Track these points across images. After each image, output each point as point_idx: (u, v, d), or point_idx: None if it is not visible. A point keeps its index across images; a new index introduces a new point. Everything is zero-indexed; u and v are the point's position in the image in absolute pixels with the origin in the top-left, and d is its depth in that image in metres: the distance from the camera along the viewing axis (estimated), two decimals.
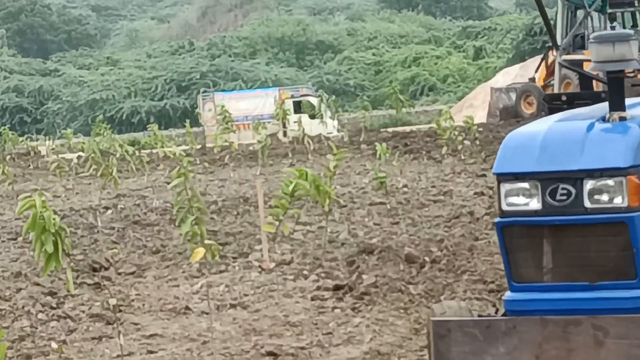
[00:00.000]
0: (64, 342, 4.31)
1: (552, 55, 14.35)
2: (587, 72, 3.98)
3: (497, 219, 2.53)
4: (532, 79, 17.39)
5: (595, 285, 2.37)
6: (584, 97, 3.40)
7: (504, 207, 2.45)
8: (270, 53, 36.23)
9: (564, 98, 3.47)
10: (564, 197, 2.38)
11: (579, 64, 3.71)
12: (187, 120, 22.22)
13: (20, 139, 21.84)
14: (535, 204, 2.40)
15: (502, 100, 17.99)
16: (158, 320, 4.79)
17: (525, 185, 2.42)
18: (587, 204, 2.33)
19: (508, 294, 2.57)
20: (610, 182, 2.28)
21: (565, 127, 2.56)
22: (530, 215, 2.41)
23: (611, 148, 2.30)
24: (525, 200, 2.43)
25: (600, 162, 2.28)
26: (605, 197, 2.31)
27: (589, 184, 2.33)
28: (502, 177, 2.45)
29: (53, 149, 19.57)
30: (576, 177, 2.35)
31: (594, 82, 4.28)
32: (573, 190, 2.37)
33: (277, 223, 5.72)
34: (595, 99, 3.16)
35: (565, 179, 2.37)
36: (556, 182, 2.37)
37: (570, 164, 2.35)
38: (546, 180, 2.37)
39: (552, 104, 3.51)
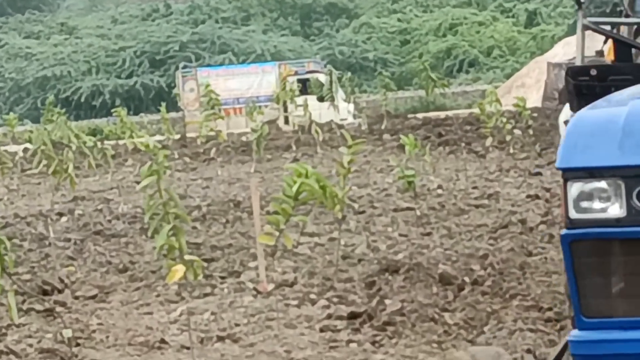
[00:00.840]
0: None
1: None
2: (626, 39, 3.59)
3: (562, 231, 2.13)
4: (600, 52, 16.77)
5: None
6: (621, 70, 3.15)
7: (573, 215, 2.05)
8: (268, 18, 29.85)
9: (593, 72, 3.04)
10: None
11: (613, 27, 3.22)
12: (163, 104, 18.42)
13: None
14: (616, 209, 1.99)
15: (562, 80, 16.96)
16: (125, 357, 4.03)
17: (604, 184, 2.02)
18: None
19: (575, 333, 2.15)
20: None
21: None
22: (610, 225, 2.00)
23: None
24: (603, 205, 2.03)
25: None
26: None
27: None
28: (571, 174, 2.05)
29: None
30: None
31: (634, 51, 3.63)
32: None
33: (277, 234, 4.78)
34: (637, 73, 2.90)
35: None
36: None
37: None
38: (633, 177, 1.95)
39: (577, 80, 3.07)
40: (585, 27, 3.47)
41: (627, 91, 2.47)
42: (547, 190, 7.61)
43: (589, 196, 2.00)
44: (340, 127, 15.09)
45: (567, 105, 3.62)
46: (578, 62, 3.38)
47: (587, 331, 2.07)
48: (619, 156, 1.92)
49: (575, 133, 2.08)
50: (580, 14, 3.42)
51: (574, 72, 3.16)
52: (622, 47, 3.59)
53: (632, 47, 3.56)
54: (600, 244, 1.99)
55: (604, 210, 1.97)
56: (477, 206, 7.80)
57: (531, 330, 3.88)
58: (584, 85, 3.11)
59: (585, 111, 2.25)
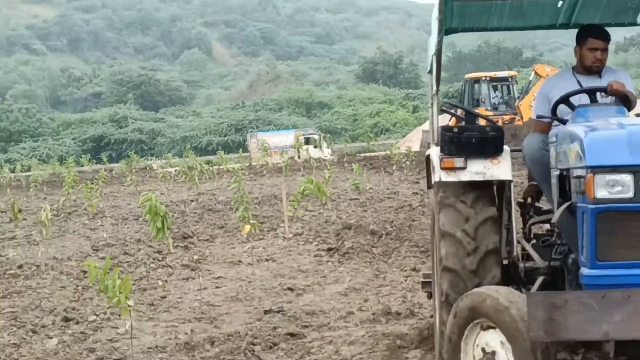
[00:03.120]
0: (166, 281, 6.75)
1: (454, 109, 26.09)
2: (477, 113, 4.70)
3: (590, 206, 2.67)
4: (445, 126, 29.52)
5: None
6: (468, 129, 3.86)
7: (599, 196, 2.64)
8: (290, 109, 57.91)
9: (455, 130, 3.78)
10: None
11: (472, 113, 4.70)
12: (240, 149, 35.59)
13: (141, 159, 34.90)
14: (629, 192, 2.61)
15: (427, 138, 25.99)
16: (222, 269, 7.38)
17: (619, 176, 2.63)
18: None
19: (589, 272, 2.74)
20: None
21: None
22: (625, 202, 2.62)
23: None
24: (619, 189, 2.63)
25: None
26: None
27: None
28: (597, 169, 2.64)
29: (160, 165, 29.41)
30: None
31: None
32: None
33: (293, 210, 8.71)
34: (482, 131, 3.59)
35: None
36: None
37: None
38: (638, 172, 2.60)
39: (447, 133, 3.75)
40: (441, 109, 4.61)
41: (613, 120, 3.04)
42: (423, 190, 12.26)
43: (611, 184, 2.59)
44: (324, 160, 26.21)
45: (432, 147, 4.21)
46: (435, 128, 4.18)
47: (598, 269, 2.68)
48: (630, 158, 2.57)
49: (593, 144, 2.68)
50: (435, 98, 4.18)
51: (445, 129, 3.90)
52: (469, 117, 4.36)
53: (475, 115, 4.37)
54: (617, 214, 2.62)
55: (620, 192, 2.57)
56: (388, 197, 12.85)
57: (414, 257, 7.02)
58: (450, 135, 3.64)
59: (591, 132, 2.80)
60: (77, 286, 6.57)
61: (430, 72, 4.14)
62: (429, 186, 4.05)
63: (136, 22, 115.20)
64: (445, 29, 4.06)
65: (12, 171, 30.99)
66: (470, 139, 3.55)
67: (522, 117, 21.93)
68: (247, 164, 28.63)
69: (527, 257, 3.69)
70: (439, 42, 3.75)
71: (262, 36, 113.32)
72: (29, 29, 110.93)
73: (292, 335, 4.70)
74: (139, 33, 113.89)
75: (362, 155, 30.14)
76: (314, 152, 28.68)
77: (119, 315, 4.88)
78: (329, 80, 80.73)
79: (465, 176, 3.46)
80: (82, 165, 33.42)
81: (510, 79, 24.92)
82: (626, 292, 2.54)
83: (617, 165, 2.71)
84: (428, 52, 4.29)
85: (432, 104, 4.24)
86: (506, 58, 68.89)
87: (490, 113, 21.13)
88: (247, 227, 6.98)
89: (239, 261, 7.61)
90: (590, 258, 2.79)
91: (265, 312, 5.34)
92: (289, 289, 6.16)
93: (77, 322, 5.32)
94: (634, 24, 4.57)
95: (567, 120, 3.52)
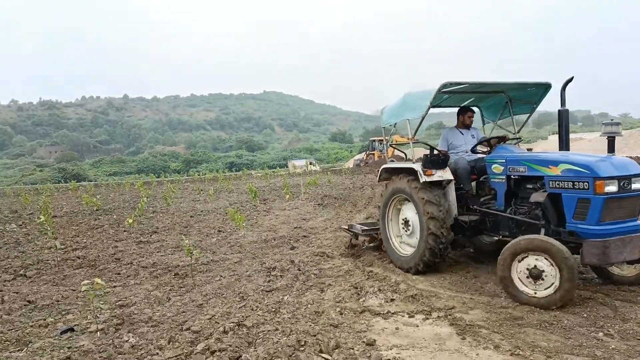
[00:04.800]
0: (256, 216, 15.90)
1: (366, 152, 50.15)
2: (435, 148, 7.63)
3: (601, 196, 5.65)
4: (362, 158, 50.91)
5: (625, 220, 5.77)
6: (435, 156, 7.45)
7: (605, 190, 5.59)
8: (303, 152, 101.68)
9: (429, 156, 7.45)
10: (629, 186, 5.63)
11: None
12: (285, 166, 74.29)
13: (247, 170, 74.03)
14: (615, 187, 5.62)
15: (355, 162, 52.40)
16: (278, 211, 16.28)
17: (613, 181, 5.61)
18: (634, 186, 5.69)
19: (594, 227, 5.69)
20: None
21: (614, 158, 5.86)
22: (613, 193, 5.61)
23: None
24: (613, 187, 5.60)
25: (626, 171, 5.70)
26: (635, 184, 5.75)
27: (635, 179, 5.70)
28: (603, 179, 5.62)
29: (255, 173, 60.25)
30: (631, 177, 5.65)
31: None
32: (627, 183, 5.61)
33: (304, 189, 17.88)
34: (439, 157, 7.44)
35: (628, 177, 5.67)
36: (625, 179, 5.64)
37: (628, 171, 5.66)
38: (623, 178, 5.62)
39: (427, 158, 7.43)
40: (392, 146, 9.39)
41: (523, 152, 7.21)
42: (363, 184, 21.49)
43: (609, 185, 5.62)
44: (316, 171, 48.68)
45: (414, 164, 7.61)
46: (413, 156, 7.80)
47: (601, 226, 5.67)
48: (616, 172, 5.66)
49: (597, 167, 5.70)
50: (411, 141, 7.77)
51: (427, 156, 7.45)
52: (431, 151, 7.46)
53: (433, 149, 7.50)
54: (612, 199, 5.66)
55: (612, 188, 5.64)
56: (340, 184, 23.26)
57: (350, 207, 16.08)
58: (428, 159, 7.39)
59: (594, 162, 5.80)
60: (224, 219, 15.58)
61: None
62: (379, 180, 8.54)
63: None
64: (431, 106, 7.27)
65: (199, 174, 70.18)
66: (436, 161, 7.33)
67: (390, 154, 46.57)
68: (288, 172, 55.17)
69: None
70: (423, 116, 7.24)
71: None
72: None
73: (305, 236, 12.89)
74: None
75: (331, 168, 56.63)
76: (313, 168, 58.71)
77: (239, 229, 13.67)
78: (320, 141, 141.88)
79: (435, 178, 7.22)
80: (223, 172, 68.22)
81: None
82: (628, 237, 5.42)
83: (609, 176, 5.63)
84: (389, 119, 8.35)
85: (410, 143, 7.77)
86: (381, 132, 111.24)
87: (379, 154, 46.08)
88: (287, 196, 16.18)
89: (285, 208, 16.68)
90: (596, 220, 5.61)
91: (294, 228, 14.15)
92: (303, 219, 14.79)
93: (223, 232, 14.16)
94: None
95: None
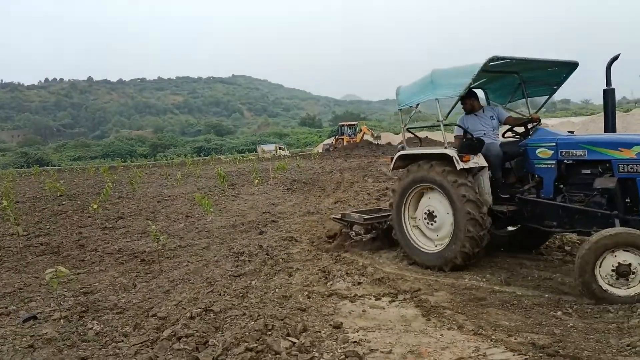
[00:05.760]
0: (225, 201, 15.87)
1: (335, 136, 56.33)
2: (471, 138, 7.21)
3: (621, 174, 5.73)
4: (331, 143, 55.85)
5: None
6: (471, 141, 7.02)
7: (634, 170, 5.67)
8: (272, 136, 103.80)
9: (464, 141, 7.01)
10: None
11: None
12: (254, 151, 75.81)
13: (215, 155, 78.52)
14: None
15: (325, 147, 56.38)
16: (247, 196, 16.32)
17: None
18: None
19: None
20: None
21: None
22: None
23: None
24: None
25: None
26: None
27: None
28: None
29: (223, 157, 64.12)
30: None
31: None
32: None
33: (273, 174, 17.83)
34: (475, 141, 7.02)
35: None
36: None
37: None
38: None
39: (463, 143, 6.98)
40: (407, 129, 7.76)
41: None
42: (332, 168, 23.71)
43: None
44: (286, 155, 51.96)
45: (448, 149, 6.92)
46: (444, 139, 7.12)
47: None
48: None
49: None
50: (403, 127, 7.64)
51: (463, 140, 7.10)
52: (467, 139, 7.06)
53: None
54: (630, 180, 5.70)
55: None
56: (309, 169, 22.85)
57: (319, 192, 16.22)
58: (464, 144, 6.94)
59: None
60: (192, 204, 15.43)
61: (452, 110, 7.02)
62: (394, 169, 7.82)
63: None
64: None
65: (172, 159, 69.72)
66: (472, 145, 6.87)
67: (359, 139, 51.17)
68: (257, 157, 56.73)
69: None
70: (461, 94, 6.58)
71: None
72: None
73: (273, 221, 12.96)
74: None
75: (300, 153, 59.67)
76: (282, 152, 60.46)
77: (207, 214, 13.58)
78: (290, 125, 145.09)
79: (471, 164, 6.68)
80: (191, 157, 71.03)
81: (355, 125, 57.48)
82: None
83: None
84: (410, 99, 7.33)
85: (441, 126, 6.89)
86: (353, 117, 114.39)
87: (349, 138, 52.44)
88: (256, 181, 16.08)
89: (253, 193, 16.63)
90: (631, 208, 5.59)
91: (263, 213, 14.13)
92: (272, 204, 14.81)
93: (191, 217, 14.06)
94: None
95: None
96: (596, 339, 4.41)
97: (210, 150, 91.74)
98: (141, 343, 4.86)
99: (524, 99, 7.74)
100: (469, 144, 6.87)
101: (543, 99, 7.82)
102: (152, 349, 4.71)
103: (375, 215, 8.60)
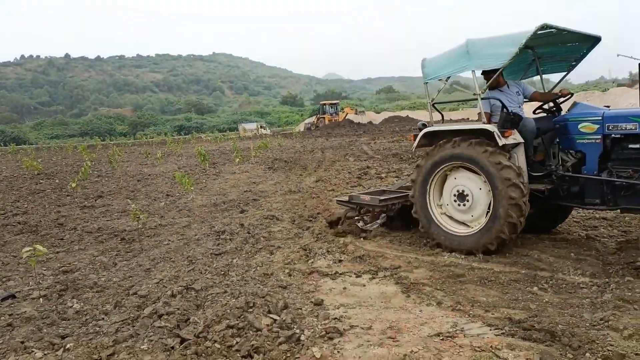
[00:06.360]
0: (206, 180, 15.79)
1: (317, 115, 58.37)
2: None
3: None
4: (312, 121, 56.67)
5: None
6: (509, 116, 6.64)
7: None
8: (253, 115, 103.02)
9: (505, 116, 6.59)
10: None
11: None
12: (236, 129, 75.26)
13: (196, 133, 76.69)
14: None
15: (306, 126, 57.40)
16: (228, 175, 16.28)
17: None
18: None
19: None
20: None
21: None
22: None
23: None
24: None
25: None
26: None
27: None
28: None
29: (205, 136, 66.84)
30: None
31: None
32: None
33: (255, 152, 17.70)
34: (512, 116, 6.63)
35: None
36: None
37: None
38: None
39: (506, 118, 6.56)
40: (433, 105, 7.09)
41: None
42: (314, 147, 24.71)
43: None
44: (267, 134, 53.05)
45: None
46: (482, 114, 6.64)
47: None
48: None
49: None
50: (430, 102, 7.03)
51: (506, 114, 6.58)
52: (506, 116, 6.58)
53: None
54: None
55: None
56: (291, 148, 23.32)
57: (300, 171, 16.20)
58: (507, 119, 6.54)
59: None
60: (172, 183, 15.31)
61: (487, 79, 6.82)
62: (418, 147, 7.16)
63: None
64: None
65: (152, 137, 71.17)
66: (512, 120, 6.54)
67: (341, 119, 53.91)
68: (238, 136, 57.27)
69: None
70: (504, 65, 6.18)
71: None
72: None
73: (254, 200, 13.06)
74: None
75: (282, 132, 61.31)
76: (263, 131, 60.61)
77: (188, 193, 13.51)
78: (271, 104, 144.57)
79: (510, 140, 6.34)
80: (172, 135, 73.70)
81: (337, 104, 59.85)
82: None
83: None
84: (440, 71, 6.73)
85: (479, 99, 6.52)
86: (334, 95, 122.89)
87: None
88: (237, 159, 15.99)
89: (235, 172, 16.56)
90: None
91: (244, 191, 14.10)
92: (253, 182, 14.82)
93: (171, 196, 13.97)
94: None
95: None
96: (570, 314, 4.52)
97: (191, 129, 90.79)
98: (122, 321, 4.86)
99: (539, 77, 7.39)
100: (510, 119, 6.50)
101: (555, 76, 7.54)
102: (133, 326, 4.71)
103: (391, 196, 7.93)
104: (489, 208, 6.40)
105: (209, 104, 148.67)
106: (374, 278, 5.87)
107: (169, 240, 8.27)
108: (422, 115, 61.34)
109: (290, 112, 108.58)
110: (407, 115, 59.52)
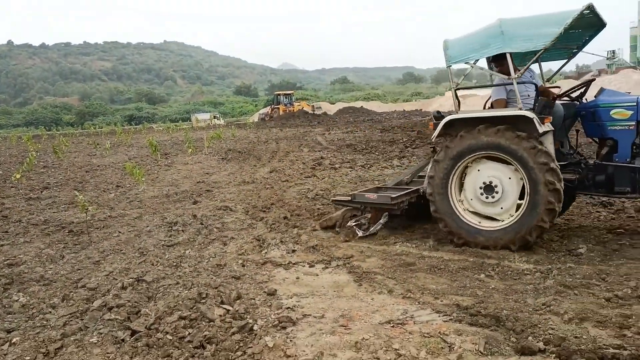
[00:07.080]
0: (157, 171, 15.52)
1: (271, 106, 58.99)
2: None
3: None
4: (267, 112, 57.19)
5: None
6: (543, 102, 6.45)
7: None
8: (207, 106, 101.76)
9: (539, 103, 6.45)
10: None
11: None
12: (188, 119, 73.85)
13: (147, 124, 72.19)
14: None
15: (260, 116, 57.53)
16: (180, 166, 16.03)
17: None
18: None
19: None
20: None
21: None
22: None
23: None
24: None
25: None
26: None
27: None
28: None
29: (156, 126, 63.87)
30: None
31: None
32: None
33: (208, 143, 17.45)
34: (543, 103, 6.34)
35: None
36: None
37: None
38: None
39: (541, 103, 6.33)
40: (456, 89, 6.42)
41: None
42: (268, 138, 23.91)
43: None
44: (221, 125, 52.08)
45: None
46: (518, 99, 6.03)
47: None
48: None
49: None
50: (454, 85, 6.37)
51: (542, 100, 6.27)
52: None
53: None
54: None
55: None
56: (245, 138, 24.17)
57: (255, 161, 16.12)
58: (544, 104, 6.27)
59: None
60: (123, 174, 14.95)
61: (491, 67, 6.68)
62: (437, 136, 6.49)
63: None
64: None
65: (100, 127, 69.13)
66: (549, 108, 6.27)
67: (295, 109, 53.61)
68: (191, 126, 57.18)
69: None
70: (546, 46, 5.68)
71: None
72: None
73: (208, 191, 12.91)
74: None
75: (236, 122, 60.72)
76: (217, 122, 60.99)
77: (138, 184, 13.26)
78: (225, 94, 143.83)
79: (546, 127, 6.01)
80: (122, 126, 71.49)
81: (291, 95, 60.28)
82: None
83: None
84: (468, 54, 6.18)
85: (514, 84, 6.06)
86: (289, 86, 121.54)
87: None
88: (190, 150, 15.75)
89: (187, 163, 16.31)
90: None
91: (197, 182, 13.93)
92: (207, 173, 14.68)
93: (122, 187, 13.66)
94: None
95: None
96: (515, 299, 4.70)
97: (142, 119, 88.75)
98: (70, 314, 4.76)
99: (537, 64, 7.03)
100: (546, 104, 6.18)
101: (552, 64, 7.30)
102: (82, 319, 4.62)
103: (401, 193, 7.31)
104: (519, 198, 6.06)
105: (161, 93, 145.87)
106: (327, 268, 5.93)
107: (119, 232, 8.11)
108: (375, 106, 61.86)
109: (244, 103, 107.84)
110: (362, 106, 59.72)
